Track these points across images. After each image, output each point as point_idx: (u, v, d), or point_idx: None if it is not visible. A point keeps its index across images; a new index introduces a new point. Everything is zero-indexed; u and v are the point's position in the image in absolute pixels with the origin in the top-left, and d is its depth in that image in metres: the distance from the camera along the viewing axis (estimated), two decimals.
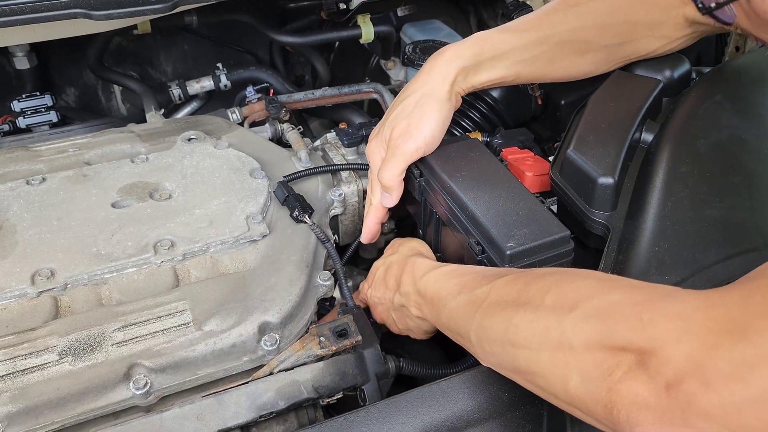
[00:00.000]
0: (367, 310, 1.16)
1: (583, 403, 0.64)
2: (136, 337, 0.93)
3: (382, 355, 1.02)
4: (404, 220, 1.33)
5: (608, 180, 0.96)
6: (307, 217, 1.11)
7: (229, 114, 1.50)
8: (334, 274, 1.12)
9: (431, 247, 1.10)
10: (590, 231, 0.99)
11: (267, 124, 1.38)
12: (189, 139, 1.28)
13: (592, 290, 0.68)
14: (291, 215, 1.12)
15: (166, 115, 1.72)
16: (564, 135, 1.09)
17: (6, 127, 1.37)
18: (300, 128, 1.35)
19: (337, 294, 1.14)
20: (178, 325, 0.95)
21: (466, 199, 0.96)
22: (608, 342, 0.62)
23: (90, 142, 1.28)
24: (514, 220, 0.93)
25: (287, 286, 1.02)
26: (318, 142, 1.36)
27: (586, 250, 1.03)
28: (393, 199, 1.09)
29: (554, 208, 1.08)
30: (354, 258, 1.37)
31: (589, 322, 0.65)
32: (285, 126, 1.33)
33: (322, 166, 1.21)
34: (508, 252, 0.88)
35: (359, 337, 1.01)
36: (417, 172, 1.06)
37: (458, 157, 1.05)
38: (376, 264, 1.12)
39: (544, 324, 0.69)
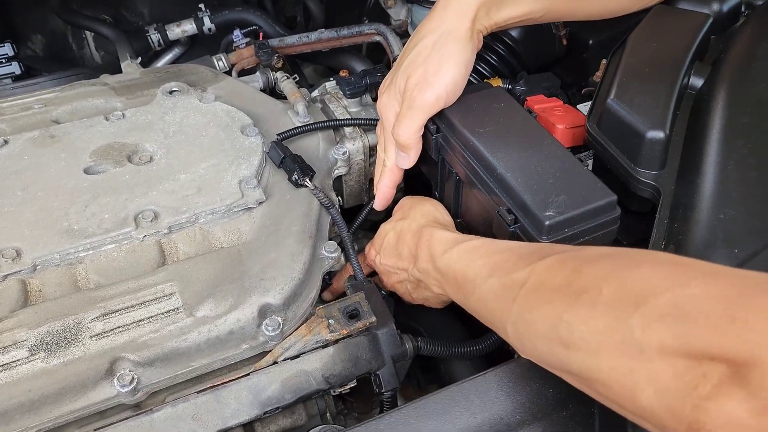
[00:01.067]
0: (372, 275, 1.05)
1: (658, 419, 0.53)
2: (119, 327, 0.81)
3: (398, 334, 0.90)
4: (414, 177, 1.20)
5: (658, 134, 0.83)
6: (308, 180, 0.98)
7: (215, 62, 1.34)
8: (341, 244, 0.99)
9: (450, 212, 0.97)
10: (634, 193, 0.86)
11: (258, 73, 1.23)
12: (170, 92, 1.13)
13: (665, 279, 0.55)
14: (289, 179, 0.99)
15: (145, 65, 1.56)
16: (600, 81, 0.95)
17: None
18: (295, 77, 1.20)
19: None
20: (167, 312, 0.83)
21: (494, 159, 0.83)
22: (690, 348, 0.50)
23: (58, 97, 1.13)
24: (551, 183, 0.80)
25: (289, 262, 0.89)
26: (316, 93, 1.21)
27: (627, 213, 0.91)
28: (411, 160, 0.95)
29: (590, 163, 0.95)
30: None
31: (663, 322, 0.53)
32: (278, 74, 1.18)
33: (323, 121, 1.07)
34: (547, 222, 0.76)
35: (373, 318, 0.89)
36: (434, 128, 0.93)
37: (480, 109, 0.91)
38: (384, 227, 1.00)
39: (605, 322, 0.57)
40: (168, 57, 1.59)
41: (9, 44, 1.25)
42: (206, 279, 0.86)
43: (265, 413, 0.81)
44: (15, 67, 1.25)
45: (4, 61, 1.24)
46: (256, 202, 0.96)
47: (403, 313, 1.04)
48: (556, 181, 0.80)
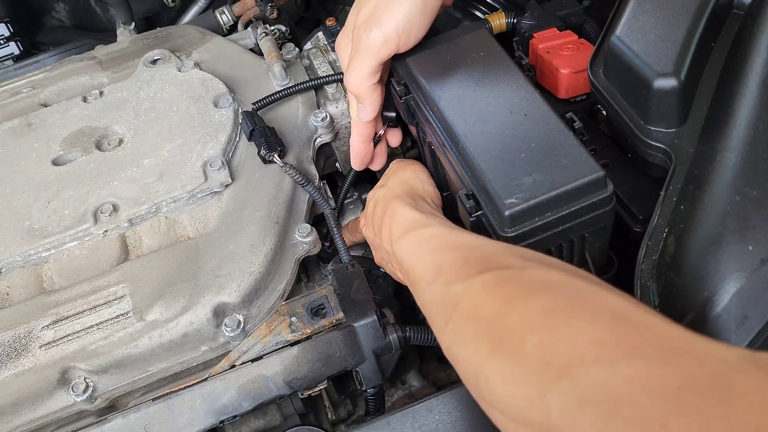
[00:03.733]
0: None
1: None
2: (68, 335, 0.77)
3: (381, 325, 0.80)
4: None
5: (669, 81, 0.63)
6: (275, 155, 0.87)
7: (218, 16, 1.24)
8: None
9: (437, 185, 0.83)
10: (644, 157, 0.68)
11: (249, 28, 1.11)
12: (153, 61, 1.05)
13: (598, 346, 0.43)
14: (258, 154, 0.89)
15: (172, 21, 1.50)
16: (614, 10, 0.74)
17: None
18: (283, 29, 1.07)
19: None
20: (116, 316, 0.78)
21: (457, 127, 0.68)
22: None
23: (46, 78, 1.09)
24: (522, 158, 0.64)
25: (247, 254, 0.81)
26: (308, 45, 1.08)
27: (650, 180, 0.73)
28: (367, 111, 0.81)
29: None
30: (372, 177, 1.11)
31: (584, 410, 0.40)
32: (258, 30, 1.05)
33: (294, 85, 0.94)
34: (507, 212, 0.61)
35: (340, 314, 0.80)
36: (401, 89, 0.78)
37: (453, 61, 0.75)
38: (370, 194, 0.87)
39: (523, 391, 0.45)
40: (193, 10, 1.51)
41: (4, 24, 1.22)
42: (158, 279, 0.80)
43: (221, 422, 0.75)
44: (13, 48, 1.23)
45: (2, 42, 1.22)
46: (221, 186, 0.87)
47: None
48: (529, 154, 0.64)
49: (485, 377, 0.49)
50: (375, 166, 0.95)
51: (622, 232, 0.74)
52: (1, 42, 1.22)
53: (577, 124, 0.68)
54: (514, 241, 0.62)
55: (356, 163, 0.91)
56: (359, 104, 0.81)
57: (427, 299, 0.61)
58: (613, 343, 0.42)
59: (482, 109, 0.69)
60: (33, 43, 1.37)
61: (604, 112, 0.74)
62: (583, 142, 0.65)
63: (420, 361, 1.09)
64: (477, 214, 0.65)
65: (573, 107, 0.82)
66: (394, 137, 0.92)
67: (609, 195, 0.62)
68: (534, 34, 0.86)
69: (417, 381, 1.05)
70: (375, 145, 0.91)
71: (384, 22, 0.73)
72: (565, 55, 0.80)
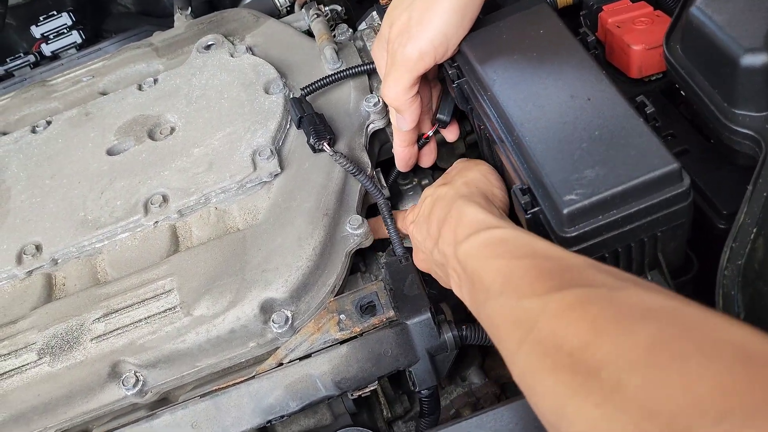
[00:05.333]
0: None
1: None
2: (118, 329, 0.77)
3: (435, 323, 0.76)
4: None
5: (758, 58, 0.55)
6: (325, 144, 0.83)
7: None
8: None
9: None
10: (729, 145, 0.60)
11: (303, 10, 1.07)
12: (207, 47, 1.03)
13: (728, 389, 0.35)
14: (308, 142, 0.85)
15: (236, 3, 1.49)
16: None
17: (32, 58, 1.23)
18: (338, 9, 1.02)
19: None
20: (164, 311, 0.77)
21: (512, 114, 0.62)
22: None
23: (105, 66, 1.10)
24: (585, 148, 0.57)
25: (295, 248, 0.78)
26: (362, 26, 1.03)
27: (737, 170, 0.64)
28: (407, 122, 0.77)
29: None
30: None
31: None
32: (312, 11, 1.01)
33: (344, 69, 0.90)
34: (566, 210, 0.55)
35: (391, 313, 0.76)
36: (453, 72, 0.72)
37: (510, 40, 0.69)
38: (425, 191, 0.82)
39: None
40: None
41: (66, 13, 1.24)
42: (205, 272, 0.78)
43: (269, 422, 0.73)
44: (76, 36, 1.24)
45: (65, 31, 1.23)
46: (270, 175, 0.84)
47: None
48: (592, 144, 0.57)
49: (569, 421, 0.41)
50: (424, 164, 0.92)
51: (704, 228, 0.66)
52: (65, 31, 1.24)
53: (649, 109, 0.61)
54: (573, 242, 0.56)
55: (400, 166, 0.89)
56: (398, 115, 0.77)
57: (493, 312, 0.55)
58: (743, 392, 0.34)
59: (540, 93, 0.62)
60: (97, 31, 1.39)
61: (683, 93, 0.66)
62: (656, 129, 0.58)
63: (482, 357, 1.04)
64: (533, 210, 0.59)
65: (647, 88, 0.74)
66: (451, 133, 0.88)
67: (685, 190, 0.55)
68: (603, 7, 0.78)
69: (478, 378, 1.00)
70: (422, 147, 0.88)
71: (417, 37, 0.69)
72: (637, 29, 0.72)
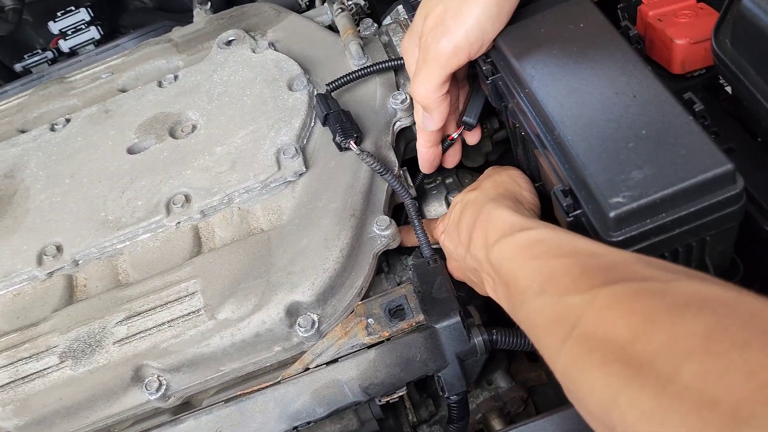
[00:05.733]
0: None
1: None
2: (141, 332, 0.75)
3: (465, 327, 0.73)
4: None
5: None
6: (352, 142, 0.81)
7: None
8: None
9: (527, 175, 0.74)
10: None
11: (325, 4, 1.05)
12: (228, 42, 1.01)
13: None
14: (333, 140, 0.83)
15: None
16: None
17: (50, 55, 1.22)
18: (361, 3, 1.00)
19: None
20: (188, 314, 0.75)
21: (553, 112, 0.59)
22: None
23: (124, 63, 1.08)
24: (631, 148, 0.54)
25: (322, 250, 0.76)
26: (387, 21, 1.00)
27: None
28: (435, 121, 0.75)
29: None
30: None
31: None
32: (336, 5, 0.98)
33: (370, 65, 0.87)
34: (613, 213, 0.52)
35: (421, 317, 0.74)
36: (487, 68, 0.69)
37: (549, 34, 0.66)
38: (455, 198, 0.80)
39: (677, 430, 0.36)
40: None
41: (84, 9, 1.22)
42: (229, 274, 0.76)
43: (295, 428, 0.71)
44: (94, 32, 1.22)
45: (83, 27, 1.22)
46: (294, 175, 0.82)
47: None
48: (639, 143, 0.54)
49: (621, 412, 0.40)
50: (448, 165, 0.90)
51: (750, 231, 0.63)
52: (83, 27, 1.22)
53: (698, 106, 0.58)
54: (619, 246, 0.53)
55: (424, 167, 0.86)
56: (427, 114, 0.75)
57: (533, 312, 0.53)
58: None
59: (582, 90, 0.60)
60: (115, 26, 1.37)
61: (728, 89, 0.63)
62: (706, 127, 0.55)
63: (508, 361, 1.01)
64: (575, 213, 0.56)
65: (689, 83, 0.71)
66: (473, 137, 0.86)
67: (738, 192, 0.52)
68: (643, 0, 0.75)
69: (504, 382, 0.97)
70: (447, 148, 0.86)
71: (453, 31, 0.66)
72: (680, 22, 0.69)
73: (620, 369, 0.41)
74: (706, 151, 0.52)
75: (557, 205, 0.58)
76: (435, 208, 1.00)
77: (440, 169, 1.00)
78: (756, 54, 0.57)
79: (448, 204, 0.98)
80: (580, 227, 0.57)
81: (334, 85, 0.87)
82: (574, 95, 0.60)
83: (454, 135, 0.85)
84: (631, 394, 0.39)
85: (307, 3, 1.18)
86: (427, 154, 0.83)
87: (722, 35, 0.61)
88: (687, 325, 0.39)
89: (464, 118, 0.82)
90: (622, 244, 0.53)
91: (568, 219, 0.56)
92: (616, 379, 0.41)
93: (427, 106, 0.73)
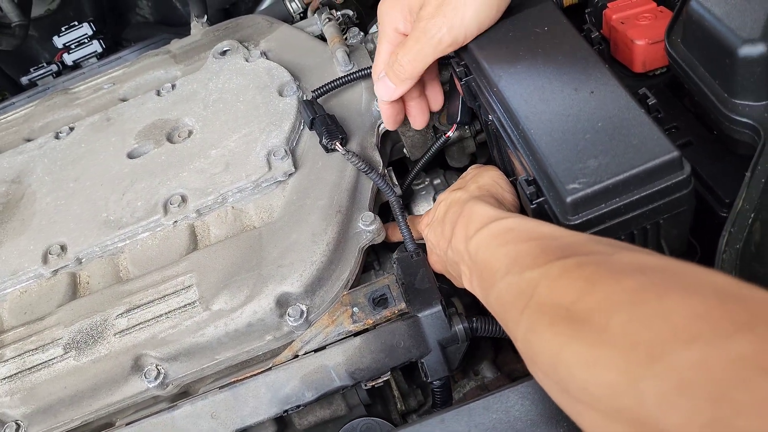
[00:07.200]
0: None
1: None
2: (140, 324, 0.80)
3: (446, 315, 0.78)
4: None
5: (756, 48, 0.57)
6: (337, 143, 0.86)
7: (287, 4, 1.24)
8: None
9: (502, 169, 0.79)
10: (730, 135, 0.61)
11: (315, 14, 1.10)
12: (223, 52, 1.07)
13: (698, 321, 0.38)
14: (320, 143, 0.88)
15: (250, 10, 1.52)
16: None
17: (54, 68, 1.27)
18: (350, 14, 1.05)
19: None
20: (184, 306, 0.80)
21: (518, 108, 0.64)
22: None
23: (125, 74, 1.13)
24: (588, 139, 0.59)
25: (309, 244, 0.80)
26: (373, 29, 1.05)
27: (739, 160, 0.65)
28: (392, 93, 0.79)
29: None
30: (444, 162, 1.08)
31: (686, 396, 0.36)
32: (324, 15, 1.04)
33: (354, 71, 0.92)
34: (570, 198, 0.56)
35: (402, 305, 0.78)
36: (461, 70, 0.74)
37: (516, 37, 0.71)
38: (439, 197, 0.84)
39: (610, 377, 0.41)
40: (267, 2, 1.52)
41: (87, 24, 1.28)
42: (223, 268, 0.81)
43: (285, 411, 0.76)
44: (96, 46, 1.28)
45: (86, 41, 1.28)
46: (284, 175, 0.87)
47: None
48: (595, 135, 0.59)
49: (566, 364, 0.44)
50: (417, 126, 0.92)
51: (707, 217, 0.67)
52: (86, 41, 1.28)
53: (651, 100, 0.62)
54: (578, 229, 0.57)
55: (388, 124, 0.89)
56: (390, 84, 0.79)
57: (501, 291, 0.57)
58: (716, 317, 0.37)
59: (545, 87, 0.64)
60: (117, 40, 1.43)
61: (685, 86, 0.67)
62: (658, 120, 0.60)
63: (494, 352, 1.05)
64: (538, 200, 0.61)
65: (652, 82, 0.76)
66: (435, 102, 0.90)
67: (686, 177, 0.56)
68: (608, 4, 0.80)
69: (490, 372, 1.01)
70: (441, 147, 0.91)
71: (453, 24, 0.71)
72: (641, 24, 0.74)
73: (565, 327, 0.46)
74: (655, 140, 0.57)
75: (522, 194, 0.63)
76: (424, 208, 1.05)
77: (428, 170, 1.05)
78: (703, 51, 0.62)
79: None
80: (543, 214, 0.62)
81: (319, 91, 0.92)
82: (538, 92, 0.64)
83: (450, 134, 0.91)
84: (573, 346, 0.44)
85: (300, 15, 1.24)
86: (387, 111, 0.87)
87: (675, 35, 0.66)
88: (620, 284, 0.44)
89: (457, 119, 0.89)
90: (580, 228, 0.58)
91: (532, 206, 0.61)
92: (561, 336, 0.46)
93: (405, 81, 0.77)
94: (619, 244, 0.51)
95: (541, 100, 0.64)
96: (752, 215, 0.53)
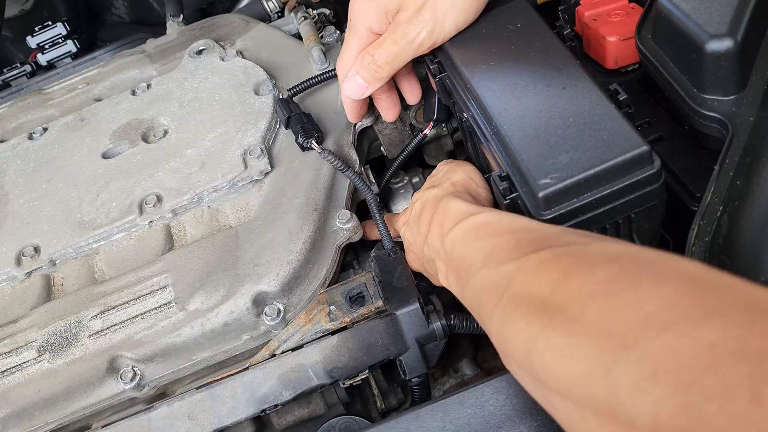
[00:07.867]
0: None
1: None
2: (115, 325, 0.79)
3: (424, 313, 0.78)
4: None
5: (723, 44, 0.57)
6: (313, 142, 0.86)
7: (264, 3, 1.23)
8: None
9: (477, 166, 0.79)
10: (699, 129, 0.62)
11: (292, 13, 1.10)
12: (198, 52, 1.06)
13: (670, 309, 0.38)
14: (296, 141, 0.88)
15: (228, 9, 1.51)
16: None
17: (28, 68, 1.26)
18: (327, 13, 1.05)
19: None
20: (159, 306, 0.79)
21: (491, 105, 0.64)
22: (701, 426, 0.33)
23: (100, 74, 1.12)
24: (560, 135, 0.59)
25: (286, 242, 0.80)
26: None
27: (709, 154, 0.66)
28: (360, 92, 0.80)
29: None
30: (422, 161, 1.09)
31: (658, 383, 0.36)
32: (299, 14, 1.03)
33: (330, 70, 0.92)
34: (542, 194, 0.57)
35: (379, 303, 0.78)
36: (435, 67, 0.74)
37: (489, 34, 0.71)
38: (415, 195, 0.85)
39: (583, 366, 0.41)
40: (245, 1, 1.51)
41: (61, 23, 1.26)
42: (199, 268, 0.80)
43: (263, 411, 0.75)
44: (70, 46, 1.27)
45: (60, 41, 1.26)
46: (260, 174, 0.87)
47: None
48: (566, 130, 0.59)
49: (539, 354, 0.45)
50: (388, 119, 0.92)
51: (679, 211, 0.68)
52: (60, 41, 1.26)
53: (622, 96, 0.63)
54: (551, 224, 0.58)
55: (351, 116, 0.90)
56: (361, 81, 0.79)
57: (476, 285, 0.58)
58: (688, 305, 0.37)
59: (517, 84, 0.65)
60: (92, 40, 1.42)
61: (656, 81, 0.68)
62: (629, 115, 0.60)
63: (474, 349, 1.06)
64: (511, 196, 0.61)
65: (624, 78, 0.76)
66: (413, 95, 0.90)
67: (656, 172, 0.57)
68: (580, 1, 0.80)
69: (470, 369, 1.02)
70: (418, 145, 0.92)
71: (433, 29, 0.72)
72: (613, 21, 0.74)
73: (539, 317, 0.46)
74: (625, 135, 0.57)
75: (496, 190, 0.63)
76: (403, 206, 1.05)
77: (406, 168, 1.05)
78: (672, 46, 0.63)
79: None
80: (516, 209, 0.62)
81: (295, 89, 0.92)
82: (511, 89, 0.65)
83: (426, 131, 0.92)
84: (547, 336, 0.44)
85: (278, 14, 1.23)
86: (350, 105, 0.87)
87: (645, 31, 0.67)
88: (595, 274, 0.44)
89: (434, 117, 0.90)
90: (553, 222, 0.58)
91: (505, 202, 0.61)
92: (535, 326, 0.46)
93: (379, 79, 0.78)
94: (593, 235, 0.52)
95: (513, 96, 0.64)
96: (720, 208, 0.54)
